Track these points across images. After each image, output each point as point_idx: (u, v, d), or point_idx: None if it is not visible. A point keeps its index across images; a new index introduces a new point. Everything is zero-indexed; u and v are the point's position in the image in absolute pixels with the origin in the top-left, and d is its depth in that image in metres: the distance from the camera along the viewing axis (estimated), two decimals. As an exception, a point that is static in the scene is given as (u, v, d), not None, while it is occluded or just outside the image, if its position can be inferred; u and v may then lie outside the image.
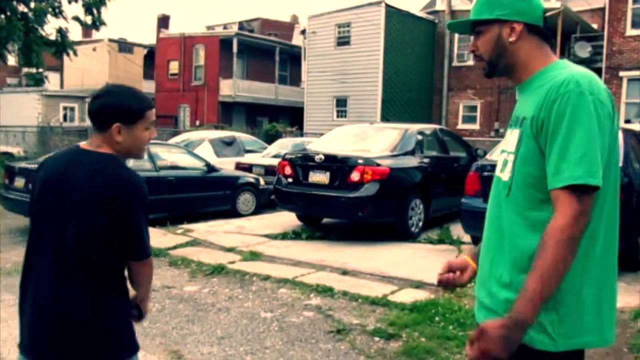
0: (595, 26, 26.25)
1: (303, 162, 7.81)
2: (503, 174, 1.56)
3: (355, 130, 8.68)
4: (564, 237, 1.32)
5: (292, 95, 30.44)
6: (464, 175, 9.37)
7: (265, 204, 10.48)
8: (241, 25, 34.09)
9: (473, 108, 24.98)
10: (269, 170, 11.16)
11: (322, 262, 6.40)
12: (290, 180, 7.86)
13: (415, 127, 8.43)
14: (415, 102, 24.57)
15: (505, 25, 1.60)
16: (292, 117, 29.42)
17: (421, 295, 5.19)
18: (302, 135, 22.58)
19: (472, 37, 1.68)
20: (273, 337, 4.26)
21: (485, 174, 6.45)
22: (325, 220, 9.14)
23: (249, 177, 10.64)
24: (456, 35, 24.78)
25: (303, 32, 27.67)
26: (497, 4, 1.61)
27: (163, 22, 31.92)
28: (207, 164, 9.94)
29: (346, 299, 5.13)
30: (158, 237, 7.61)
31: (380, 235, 7.86)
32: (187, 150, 10.42)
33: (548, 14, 22.08)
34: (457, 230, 7.95)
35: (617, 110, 1.50)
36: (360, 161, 7.22)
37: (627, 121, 18.99)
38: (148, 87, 32.41)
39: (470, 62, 24.36)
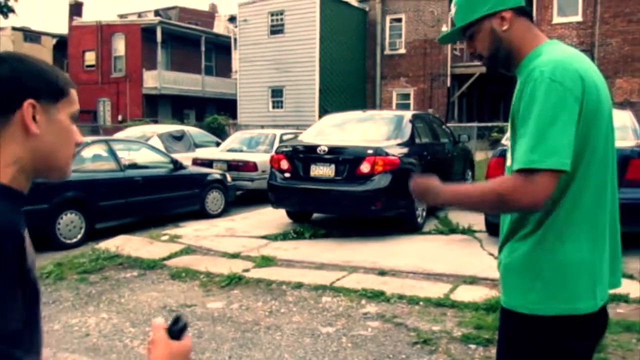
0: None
1: (303, 155, 7.23)
2: (508, 162, 1.59)
3: (346, 119, 8.18)
4: (499, 194, 1.40)
5: (220, 86, 29.98)
6: (452, 160, 9.41)
7: (231, 202, 10.15)
8: (157, 14, 32.98)
9: (406, 96, 25.23)
10: (232, 166, 10.93)
11: (349, 263, 5.85)
12: (288, 175, 7.27)
13: (409, 113, 8.07)
14: (351, 90, 24.68)
15: (494, 17, 1.62)
16: (220, 109, 28.77)
17: (482, 292, 4.85)
18: (239, 127, 21.76)
19: (465, 42, 1.69)
20: (355, 356, 3.74)
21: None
22: (316, 216, 8.59)
23: (216, 174, 10.13)
24: (387, 24, 24.93)
25: (231, 19, 27.17)
26: (477, 2, 1.63)
27: (76, 9, 30.32)
28: (173, 161, 9.36)
29: (404, 302, 4.70)
30: (145, 247, 6.73)
31: (384, 229, 7.44)
32: (149, 145, 9.76)
33: None
34: (455, 217, 7.79)
35: (596, 92, 1.47)
36: (370, 151, 6.74)
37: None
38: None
39: (402, 50, 24.64)
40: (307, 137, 7.87)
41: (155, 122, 22.45)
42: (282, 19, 23.88)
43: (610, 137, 1.55)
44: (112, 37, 28.51)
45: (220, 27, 35.08)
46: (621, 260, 1.62)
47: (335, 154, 7.01)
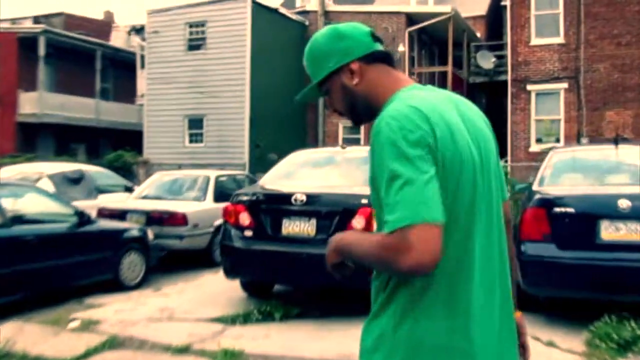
0: (478, 34, 28.12)
1: (271, 206, 6.60)
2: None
3: (320, 158, 7.62)
4: (382, 247, 1.51)
5: (120, 114, 29.43)
6: None
7: (153, 267, 9.68)
8: (38, 21, 31.80)
9: (355, 130, 25.12)
10: (153, 219, 10.44)
11: (351, 358, 5.09)
12: (249, 233, 6.62)
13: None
14: (289, 121, 24.66)
15: (342, 72, 1.79)
16: (119, 142, 27.87)
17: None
18: (151, 166, 20.83)
19: (326, 98, 1.86)
20: None
21: (557, 210, 5.74)
22: (278, 287, 7.88)
23: (134, 230, 9.56)
24: None
25: (137, 31, 26.60)
26: (322, 59, 1.81)
27: None
28: (78, 213, 8.58)
29: None
30: (48, 339, 5.78)
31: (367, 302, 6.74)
32: (44, 191, 9.03)
33: (436, 19, 22.99)
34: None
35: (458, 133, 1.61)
36: (363, 201, 6.18)
37: (539, 140, 20.06)
38: None
39: None
40: (272, 182, 7.28)
41: (33, 159, 21.03)
42: (203, 32, 23.57)
43: (483, 187, 1.65)
44: None
45: (118, 39, 34.41)
46: (515, 343, 1.74)
47: (316, 205, 6.42)
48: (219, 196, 11.19)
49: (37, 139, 26.97)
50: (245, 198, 6.93)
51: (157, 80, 24.21)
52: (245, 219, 6.78)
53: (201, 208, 10.82)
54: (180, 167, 19.95)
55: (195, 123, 23.91)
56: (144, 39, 25.48)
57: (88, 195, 12.11)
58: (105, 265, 8.74)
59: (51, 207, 8.49)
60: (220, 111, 23.15)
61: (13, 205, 7.97)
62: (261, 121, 23.07)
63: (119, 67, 30.38)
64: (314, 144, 25.07)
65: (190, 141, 24.02)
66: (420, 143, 1.54)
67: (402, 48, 23.55)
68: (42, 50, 25.98)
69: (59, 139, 27.62)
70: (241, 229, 6.82)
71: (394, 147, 1.53)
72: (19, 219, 7.77)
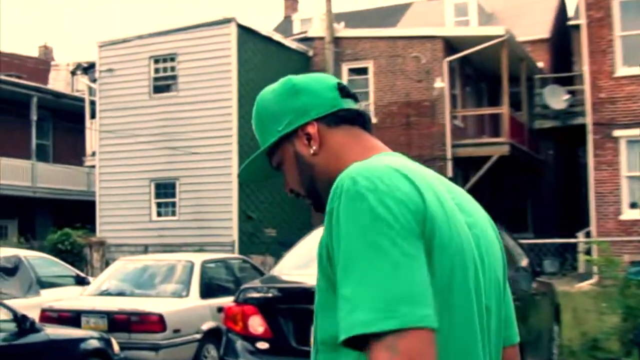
0: (541, 64, 28.44)
1: (295, 306, 6.65)
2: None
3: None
4: None
5: (63, 179, 29.79)
6: (537, 305, 8.91)
7: None
8: None
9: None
10: (117, 322, 10.50)
11: None
12: (264, 345, 6.71)
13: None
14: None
15: (296, 138, 1.82)
16: (63, 216, 27.89)
17: None
18: (108, 248, 20.80)
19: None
20: None
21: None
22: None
23: (94, 339, 9.48)
24: (344, 76, 25.39)
25: (86, 69, 27.05)
26: (270, 120, 1.85)
27: None
28: (17, 316, 8.53)
29: None
30: None
31: None
32: None
33: (484, 45, 23.24)
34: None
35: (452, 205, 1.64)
36: None
37: (633, 205, 19.91)
38: None
39: (371, 119, 24.87)
40: (291, 271, 7.25)
41: None
42: (172, 67, 23.92)
43: (487, 281, 1.68)
44: None
45: (59, 82, 34.98)
46: None
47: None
48: (207, 290, 11.22)
49: (-50, 214, 27.04)
50: (256, 295, 7.00)
51: (112, 134, 24.31)
52: (257, 325, 6.81)
53: (183, 307, 10.76)
54: (147, 249, 19.78)
55: (165, 189, 23.97)
56: (94, 80, 25.65)
57: (27, 290, 12.19)
58: None
59: None
60: (198, 172, 23.11)
61: None
62: (253, 185, 22.93)
63: (61, 118, 30.73)
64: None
65: (159, 214, 24.08)
66: (404, 213, 1.51)
67: (440, 83, 23.73)
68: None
69: (-20, 213, 27.69)
70: (252, 339, 6.84)
71: (365, 214, 1.49)
72: None
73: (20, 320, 8.39)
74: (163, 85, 24.16)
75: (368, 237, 1.47)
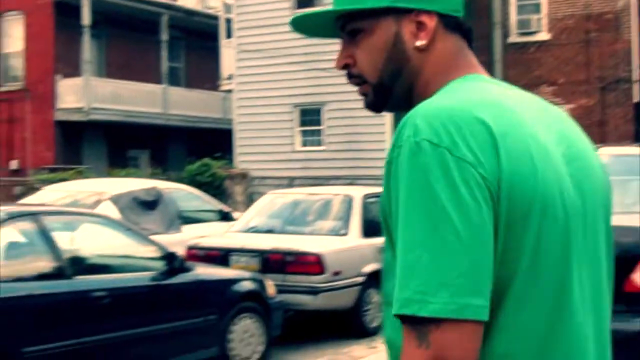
0: None
1: None
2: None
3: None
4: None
5: (197, 105, 30.26)
6: None
7: (275, 338, 9.94)
8: None
9: None
10: (270, 262, 10.69)
11: None
12: None
13: None
14: None
15: (406, 19, 1.74)
16: (197, 146, 28.81)
17: None
18: (251, 180, 21.02)
19: (341, 42, 1.83)
20: None
21: None
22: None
23: (247, 281, 9.80)
24: None
25: None
26: None
27: None
28: (166, 254, 8.85)
29: None
30: None
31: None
32: (114, 222, 9.49)
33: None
34: None
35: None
36: None
37: None
38: None
39: (544, 35, 24.93)
40: None
41: (84, 173, 22.12)
42: None
43: (577, 239, 1.63)
44: (0, 19, 28.62)
45: None
46: None
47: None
48: (369, 227, 11.22)
49: (82, 143, 28.17)
50: None
51: (251, 55, 24.50)
52: None
53: (344, 246, 10.87)
54: (292, 181, 19.79)
55: (311, 116, 24.09)
56: (230, -7, 25.84)
57: (168, 226, 12.54)
58: (206, 336, 8.92)
59: (126, 247, 8.81)
60: (347, 97, 22.44)
61: (71, 245, 8.17)
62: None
63: (194, 39, 31.22)
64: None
65: (304, 143, 24.30)
66: (468, 177, 1.49)
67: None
68: (86, 18, 26.81)
69: (112, 143, 28.76)
70: None
71: (427, 174, 1.48)
72: (81, 267, 8.00)
73: (169, 259, 8.64)
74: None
75: (424, 201, 1.47)
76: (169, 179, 18.28)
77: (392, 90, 1.77)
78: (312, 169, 23.00)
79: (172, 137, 30.15)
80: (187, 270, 8.85)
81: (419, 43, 1.71)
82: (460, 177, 1.47)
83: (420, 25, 1.71)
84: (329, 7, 1.78)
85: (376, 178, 21.09)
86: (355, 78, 1.80)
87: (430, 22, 1.71)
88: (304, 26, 1.90)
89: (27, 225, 7.85)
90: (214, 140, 27.97)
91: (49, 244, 7.75)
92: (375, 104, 1.82)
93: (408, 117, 1.55)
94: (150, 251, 8.75)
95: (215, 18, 29.54)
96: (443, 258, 1.44)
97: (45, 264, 7.71)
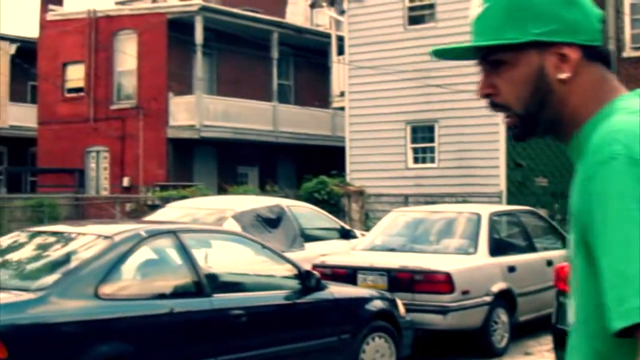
0: None
1: None
2: (571, 312, 1.80)
3: None
4: None
5: (307, 122, 30.46)
6: None
7: (405, 357, 9.87)
8: None
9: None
10: (398, 281, 10.66)
11: None
12: None
13: None
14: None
15: (548, 52, 1.77)
16: (306, 163, 28.94)
17: None
18: (366, 198, 21.04)
19: (481, 70, 1.87)
20: None
21: None
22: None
23: (378, 299, 9.74)
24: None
25: (332, 0, 26.98)
26: (526, 14, 1.78)
27: (50, -4, 31.62)
28: (303, 274, 8.86)
29: None
30: None
31: None
32: (253, 240, 9.47)
33: None
34: None
35: None
36: None
37: None
38: (19, 114, 32.80)
39: None
40: None
41: (201, 190, 22.18)
42: None
43: None
44: (114, 37, 29.03)
45: (297, 17, 35.45)
46: None
47: None
48: (497, 246, 11.21)
49: (193, 160, 28.54)
50: None
51: (363, 72, 24.47)
52: None
53: (472, 265, 10.81)
54: (407, 199, 19.68)
55: (423, 133, 24.01)
56: (341, 12, 25.84)
57: (291, 244, 12.48)
58: (340, 355, 8.92)
59: (262, 264, 8.88)
60: (460, 114, 22.90)
61: (209, 262, 8.30)
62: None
63: (303, 56, 31.40)
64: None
65: (416, 160, 24.15)
66: None
67: None
68: (199, 37, 27.26)
69: (222, 159, 29.09)
70: None
71: (632, 187, 1.52)
72: (219, 285, 8.10)
73: (306, 277, 8.64)
74: (419, 15, 24.00)
75: (635, 213, 1.49)
76: (286, 196, 18.36)
77: (538, 120, 1.80)
78: (424, 186, 22.86)
79: (281, 154, 30.35)
80: (322, 289, 8.83)
81: (563, 76, 1.75)
82: None
83: (563, 58, 1.75)
84: (472, 43, 1.83)
85: (489, 195, 20.96)
86: (499, 108, 1.83)
87: (573, 55, 1.75)
88: (445, 54, 1.93)
89: (167, 242, 8.00)
90: (323, 158, 28.05)
91: (188, 262, 7.86)
92: (523, 134, 1.85)
93: (606, 134, 1.59)
94: (286, 269, 8.78)
95: (325, 35, 29.72)
96: None
97: (185, 282, 7.85)
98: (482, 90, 1.84)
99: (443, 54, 1.91)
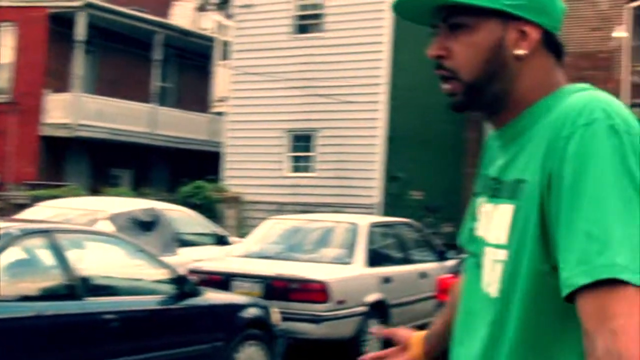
0: None
1: None
2: (488, 286, 1.81)
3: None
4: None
5: (185, 126, 30.12)
6: None
7: None
8: None
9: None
10: (273, 289, 10.58)
11: None
12: None
13: None
14: (437, 143, 24.44)
15: (511, 26, 1.78)
16: (181, 168, 28.59)
17: None
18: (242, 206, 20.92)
19: (438, 32, 1.84)
20: None
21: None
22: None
23: (252, 307, 9.64)
24: None
25: (221, 4, 26.99)
26: None
27: None
28: (179, 277, 8.74)
29: None
30: None
31: None
32: (125, 241, 9.24)
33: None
34: None
35: None
36: None
37: None
38: None
39: None
40: None
41: (75, 191, 21.74)
42: (319, 5, 23.84)
43: None
44: None
45: (183, 19, 35.22)
46: None
47: None
48: (373, 257, 11.24)
49: (65, 160, 27.85)
50: None
51: (247, 77, 24.45)
52: None
53: (348, 275, 10.81)
54: (283, 207, 19.67)
55: (303, 142, 24.05)
56: (229, 17, 26.07)
57: (165, 248, 12.27)
58: None
59: (138, 268, 8.68)
60: (341, 124, 23.08)
61: (82, 264, 7.99)
62: (400, 142, 22.98)
63: (187, 59, 31.22)
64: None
65: (294, 169, 24.15)
66: None
67: (622, 33, 22.63)
68: (80, 33, 26.69)
69: (96, 160, 28.49)
70: None
71: (625, 157, 1.55)
72: (92, 287, 7.85)
73: (180, 281, 8.51)
74: (307, 24, 24.09)
75: (623, 182, 1.52)
76: (161, 199, 18.12)
77: (484, 92, 1.80)
78: (301, 195, 22.87)
79: (157, 157, 29.89)
80: (197, 294, 8.73)
81: (519, 52, 1.76)
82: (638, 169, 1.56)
83: (524, 35, 1.76)
84: None
85: (364, 206, 21.15)
86: (445, 71, 1.81)
87: (534, 34, 1.77)
88: (405, 8, 1.89)
89: (40, 242, 7.71)
90: (200, 162, 27.86)
91: (61, 263, 7.58)
92: (462, 104, 1.83)
93: (588, 104, 1.61)
94: (162, 274, 8.61)
95: (211, 39, 29.57)
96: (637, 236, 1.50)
97: (56, 284, 7.62)
98: (434, 52, 1.82)
99: (403, 10, 1.89)
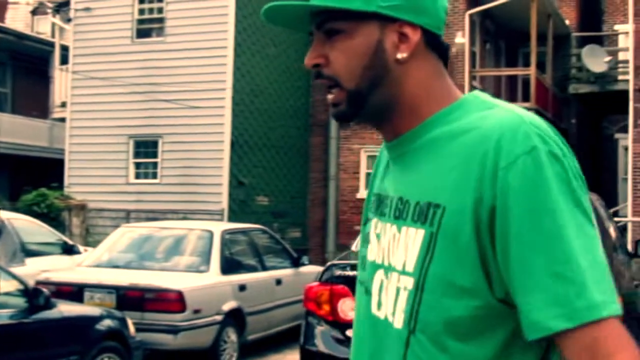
0: (567, 22, 28.14)
1: None
2: (392, 316, 1.71)
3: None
4: None
5: (23, 132, 29.29)
6: None
7: None
8: None
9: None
10: (128, 299, 10.49)
11: None
12: None
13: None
14: (283, 148, 24.74)
15: (389, 28, 1.72)
16: (21, 175, 27.91)
17: None
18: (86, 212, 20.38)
19: (313, 39, 1.77)
20: None
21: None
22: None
23: (107, 318, 9.51)
24: None
25: (59, 7, 26.45)
26: None
27: None
28: (30, 291, 8.53)
29: None
30: None
31: None
32: None
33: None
34: None
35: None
36: None
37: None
38: None
39: None
40: None
41: None
42: (160, 9, 23.53)
43: None
44: None
45: (18, 22, 34.87)
46: None
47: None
48: (229, 265, 11.28)
49: None
50: (350, 274, 6.71)
51: (87, 83, 23.86)
52: (350, 309, 6.69)
53: (204, 283, 10.77)
54: (128, 215, 19.35)
55: (146, 148, 23.65)
56: (67, 20, 25.22)
57: (11, 258, 11.92)
58: None
59: None
60: (185, 130, 22.81)
61: None
62: (246, 147, 22.94)
63: (25, 62, 30.48)
64: (323, 181, 25.21)
65: (138, 176, 23.77)
66: (583, 185, 1.60)
67: (461, 39, 23.28)
68: None
69: None
70: (342, 325, 6.72)
71: (569, 183, 1.55)
72: None
73: (32, 294, 8.29)
74: (148, 28, 23.75)
75: (575, 210, 1.50)
76: (3, 208, 17.54)
77: (368, 99, 1.71)
78: (146, 202, 22.55)
79: (-5, 164, 29.00)
80: (50, 307, 8.49)
81: (399, 55, 1.70)
82: (583, 185, 1.57)
83: (403, 37, 1.70)
84: (313, 2, 1.70)
85: (211, 213, 20.97)
86: (325, 80, 1.73)
87: (414, 36, 1.70)
88: (276, 15, 1.76)
89: None
90: (41, 170, 27.18)
91: None
92: (346, 114, 1.74)
93: (517, 124, 1.56)
94: (11, 286, 8.38)
95: (48, 43, 28.91)
96: (603, 262, 1.51)
97: None
98: (311, 60, 1.73)
99: (274, 16, 1.75)
